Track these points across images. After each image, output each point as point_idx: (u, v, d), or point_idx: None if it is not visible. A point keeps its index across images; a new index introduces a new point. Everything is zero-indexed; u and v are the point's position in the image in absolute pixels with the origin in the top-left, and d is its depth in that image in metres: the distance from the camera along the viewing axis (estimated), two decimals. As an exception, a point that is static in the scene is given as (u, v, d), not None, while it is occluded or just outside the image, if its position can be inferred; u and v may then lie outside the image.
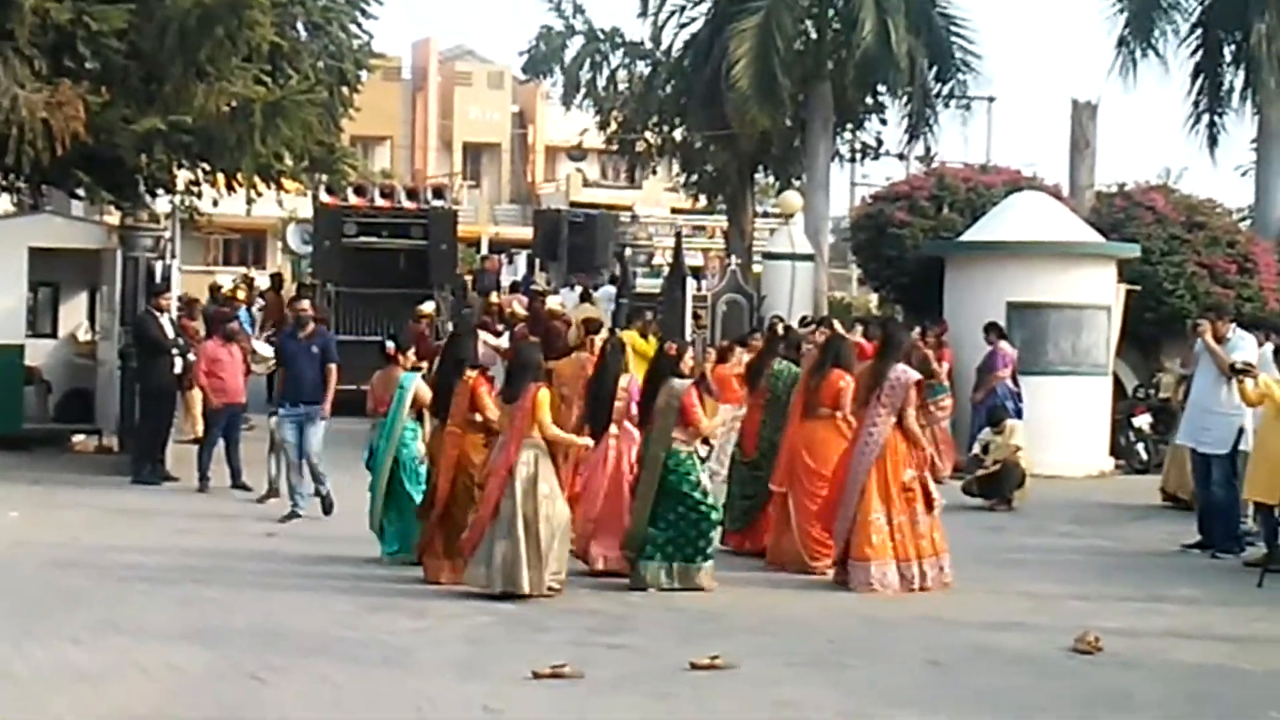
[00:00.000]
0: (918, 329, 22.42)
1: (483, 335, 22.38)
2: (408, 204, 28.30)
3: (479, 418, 13.46)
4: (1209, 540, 16.10)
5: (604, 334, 17.11)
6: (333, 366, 17.50)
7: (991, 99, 43.98)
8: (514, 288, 31.41)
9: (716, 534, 13.62)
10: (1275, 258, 27.68)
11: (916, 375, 14.10)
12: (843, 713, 9.62)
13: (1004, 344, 22.23)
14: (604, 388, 13.99)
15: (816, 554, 14.32)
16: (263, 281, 34.68)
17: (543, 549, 12.62)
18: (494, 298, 28.66)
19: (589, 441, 13.63)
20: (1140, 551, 16.38)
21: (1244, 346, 15.98)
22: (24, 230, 21.75)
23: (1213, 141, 32.65)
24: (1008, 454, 19.41)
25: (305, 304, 18.76)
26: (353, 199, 27.82)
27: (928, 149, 34.87)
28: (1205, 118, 32.58)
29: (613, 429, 14.17)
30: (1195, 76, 32.54)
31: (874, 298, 39.02)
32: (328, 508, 16.91)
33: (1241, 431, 15.80)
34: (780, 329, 17.59)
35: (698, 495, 13.25)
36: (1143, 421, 23.78)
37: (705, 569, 13.32)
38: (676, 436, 13.25)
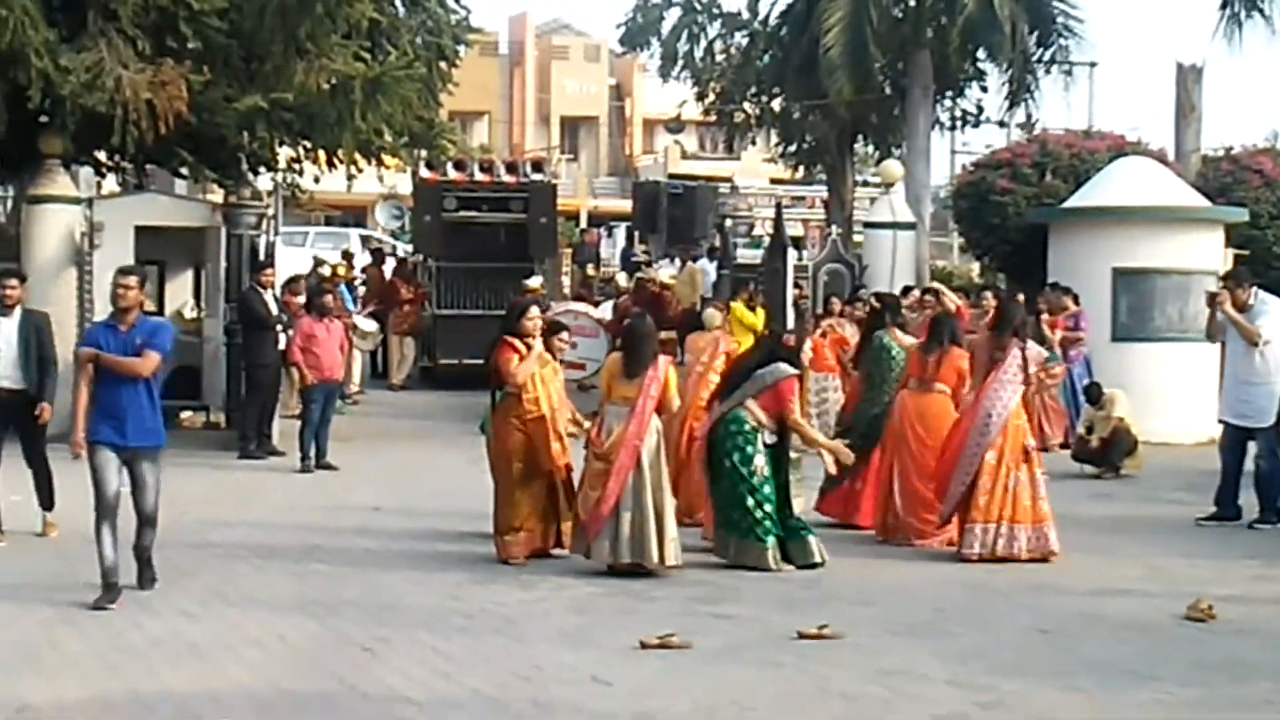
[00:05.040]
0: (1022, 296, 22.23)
1: (581, 306, 22.43)
2: (507, 178, 28.37)
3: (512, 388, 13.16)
4: (1224, 512, 15.62)
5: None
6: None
7: (1094, 64, 43.36)
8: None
9: (767, 510, 13.03)
10: (1386, 220, 27.23)
11: (1046, 353, 14.06)
12: (952, 681, 9.55)
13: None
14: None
15: (923, 531, 14.24)
16: (363, 257, 34.88)
17: (665, 521, 12.57)
18: (589, 270, 28.73)
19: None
20: (1250, 518, 16.12)
21: (1268, 311, 15.41)
22: (130, 209, 21.94)
23: (1320, 103, 32.22)
24: (1113, 425, 19.24)
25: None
26: (452, 174, 27.91)
27: (1029, 115, 34.52)
28: (1313, 79, 32.13)
29: None
30: (1302, 38, 32.02)
31: (976, 266, 38.73)
32: None
33: None
34: (875, 302, 17.39)
35: (744, 470, 12.97)
36: (1251, 387, 23.47)
37: (765, 547, 12.96)
38: (749, 408, 13.13)
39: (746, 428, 13.04)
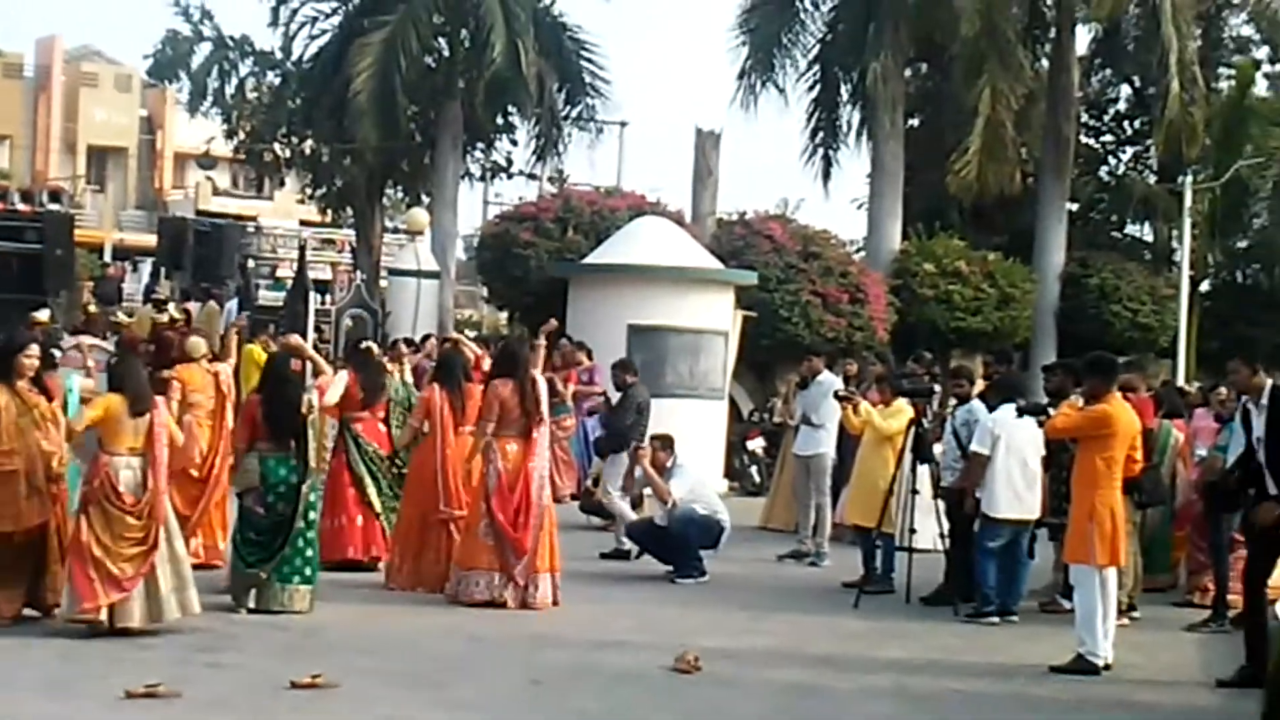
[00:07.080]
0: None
1: (91, 340, 21.78)
2: (21, 206, 27.59)
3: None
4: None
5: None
6: None
7: (624, 124, 44.65)
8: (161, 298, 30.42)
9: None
10: (885, 289, 28.78)
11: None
12: (442, 732, 9.66)
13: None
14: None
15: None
16: None
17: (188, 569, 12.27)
18: (92, 307, 27.91)
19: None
20: (747, 573, 16.74)
21: (681, 475, 16.24)
22: None
23: (827, 175, 33.98)
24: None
25: None
26: (-39, 199, 26.90)
27: (560, 170, 35.30)
28: (821, 151, 33.83)
29: None
30: (813, 111, 33.76)
31: (503, 316, 39.22)
32: None
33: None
34: (363, 347, 17.39)
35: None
36: (756, 445, 24.38)
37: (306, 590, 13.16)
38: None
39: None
